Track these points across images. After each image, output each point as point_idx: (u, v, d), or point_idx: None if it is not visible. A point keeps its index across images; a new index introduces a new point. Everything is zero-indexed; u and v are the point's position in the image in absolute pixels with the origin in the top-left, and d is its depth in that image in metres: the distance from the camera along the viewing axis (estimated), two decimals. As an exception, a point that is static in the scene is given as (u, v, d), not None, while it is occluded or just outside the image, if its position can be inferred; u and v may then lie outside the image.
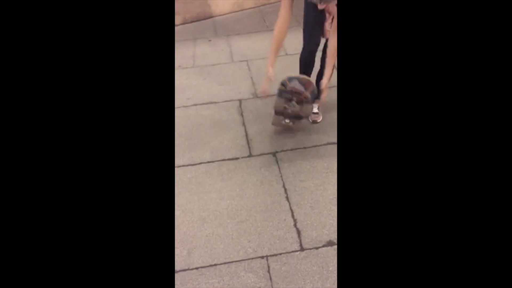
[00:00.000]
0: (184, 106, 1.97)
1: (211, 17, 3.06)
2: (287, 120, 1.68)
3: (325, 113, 1.82)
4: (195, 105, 1.98)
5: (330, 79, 1.52)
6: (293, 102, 1.53)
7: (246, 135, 1.74)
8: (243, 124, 1.82)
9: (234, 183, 1.48)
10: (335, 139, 1.66)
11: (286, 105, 1.54)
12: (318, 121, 1.78)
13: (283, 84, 1.52)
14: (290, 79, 1.49)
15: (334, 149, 1.62)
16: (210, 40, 2.70)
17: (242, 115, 1.88)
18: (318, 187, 1.44)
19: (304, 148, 1.64)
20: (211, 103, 1.99)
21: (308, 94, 1.50)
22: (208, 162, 1.59)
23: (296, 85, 1.49)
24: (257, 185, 1.47)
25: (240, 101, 1.99)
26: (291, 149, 1.63)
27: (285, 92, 1.53)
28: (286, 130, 1.74)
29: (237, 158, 1.61)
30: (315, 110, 1.79)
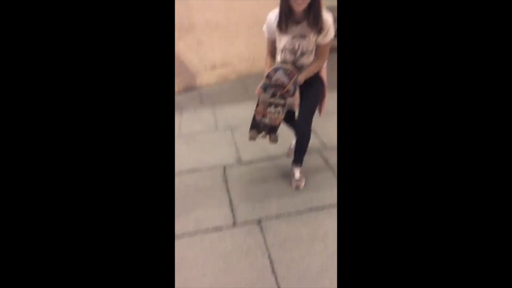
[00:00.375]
0: (168, 174, 1.98)
1: (198, 88, 3.29)
2: (263, 133, 1.72)
3: (306, 177, 1.86)
4: (179, 172, 2.00)
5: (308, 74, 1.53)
6: (279, 108, 1.56)
7: (230, 201, 1.73)
8: (227, 190, 1.82)
9: (217, 256, 1.42)
10: (317, 203, 1.68)
11: (272, 100, 1.54)
12: (301, 186, 1.80)
13: (268, 76, 1.49)
14: (276, 69, 1.48)
15: (317, 215, 1.62)
16: (196, 110, 2.85)
17: (226, 181, 1.90)
18: (304, 258, 1.39)
19: (289, 215, 1.63)
20: (196, 170, 2.02)
21: (291, 86, 1.51)
22: (191, 234, 1.54)
23: (281, 77, 1.47)
24: (242, 257, 1.41)
25: (224, 167, 2.03)
26: (276, 216, 1.62)
27: (270, 86, 1.51)
28: (268, 195, 1.75)
29: (221, 229, 1.57)
30: (297, 175, 1.82)
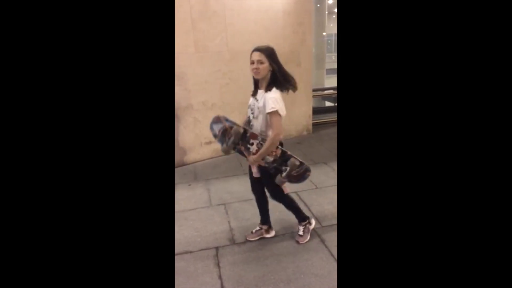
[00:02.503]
0: (157, 258, 1.86)
1: (193, 163, 3.36)
2: (284, 169, 1.67)
3: (304, 260, 1.77)
4: (169, 256, 1.89)
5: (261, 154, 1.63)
6: (253, 145, 1.66)
7: (222, 290, 1.60)
8: (220, 277, 1.70)
9: None
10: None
11: (232, 141, 1.66)
12: (301, 241, 1.91)
13: (214, 136, 1.75)
14: (210, 128, 1.73)
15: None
16: (189, 185, 2.86)
17: (218, 265, 1.79)
18: None
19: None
20: (186, 252, 1.91)
21: (225, 123, 1.69)
22: (178, 332, 1.38)
23: (217, 127, 1.70)
24: None
25: (216, 249, 1.94)
26: (272, 307, 1.48)
27: (222, 140, 1.72)
28: (263, 280, 1.63)
29: (211, 324, 1.41)
30: (300, 232, 1.94)
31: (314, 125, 4.38)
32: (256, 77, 1.59)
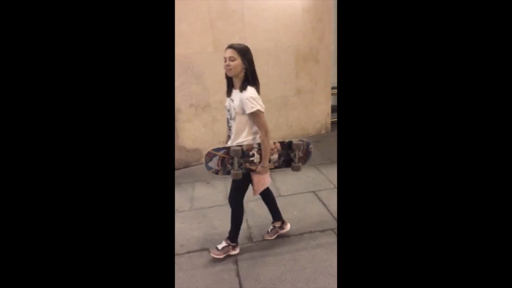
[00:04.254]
0: (176, 254, 1.91)
1: (211, 161, 3.41)
2: (293, 155, 1.75)
3: (321, 261, 1.75)
4: (189, 252, 1.92)
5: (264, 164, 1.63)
6: (253, 157, 1.64)
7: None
8: (238, 274, 1.72)
9: None
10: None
11: (238, 162, 1.62)
12: (211, 254, 1.80)
13: (216, 172, 1.68)
14: (208, 169, 1.66)
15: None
16: (208, 183, 2.90)
17: (236, 263, 1.81)
18: None
19: (304, 305, 1.48)
20: (205, 250, 1.94)
21: (218, 153, 1.63)
22: (197, 327, 1.40)
23: (213, 163, 1.64)
24: None
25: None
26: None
27: (224, 171, 1.67)
28: (281, 279, 1.63)
29: (229, 321, 1.43)
30: (219, 246, 1.83)
31: (333, 123, 4.30)
32: (228, 74, 1.54)
